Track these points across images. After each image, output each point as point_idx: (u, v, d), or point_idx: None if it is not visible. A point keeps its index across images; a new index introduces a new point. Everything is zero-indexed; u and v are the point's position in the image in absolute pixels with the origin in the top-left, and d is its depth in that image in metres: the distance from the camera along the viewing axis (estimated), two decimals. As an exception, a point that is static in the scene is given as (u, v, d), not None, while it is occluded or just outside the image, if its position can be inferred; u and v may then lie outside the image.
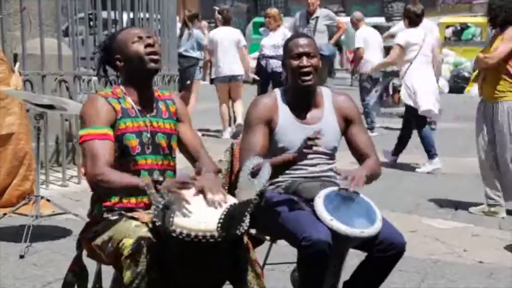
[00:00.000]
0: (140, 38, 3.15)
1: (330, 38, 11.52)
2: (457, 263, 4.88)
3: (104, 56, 3.24)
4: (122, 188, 2.96)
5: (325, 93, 3.66)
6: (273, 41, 10.66)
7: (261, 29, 11.67)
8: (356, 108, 3.72)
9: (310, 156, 3.53)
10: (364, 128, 3.72)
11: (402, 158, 8.81)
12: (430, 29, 8.92)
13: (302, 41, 3.56)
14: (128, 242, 2.82)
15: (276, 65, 10.37)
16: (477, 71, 6.19)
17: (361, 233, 3.22)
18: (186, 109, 3.37)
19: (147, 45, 3.13)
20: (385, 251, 3.29)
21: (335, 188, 3.43)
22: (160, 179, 2.90)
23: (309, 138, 3.23)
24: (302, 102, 3.59)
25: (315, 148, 3.24)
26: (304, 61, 3.51)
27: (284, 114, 3.55)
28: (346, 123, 3.63)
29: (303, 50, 3.52)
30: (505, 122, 5.93)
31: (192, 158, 3.30)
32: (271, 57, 10.60)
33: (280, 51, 9.97)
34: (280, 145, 3.53)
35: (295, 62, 3.52)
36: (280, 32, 10.75)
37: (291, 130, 3.53)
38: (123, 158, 3.08)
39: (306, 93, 3.58)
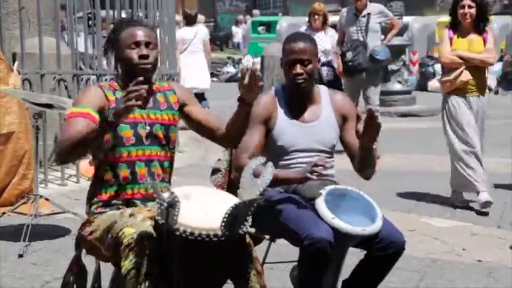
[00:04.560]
0: (137, 44, 3.15)
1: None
2: (456, 262, 4.88)
3: (110, 43, 3.27)
4: (87, 133, 2.91)
5: (322, 91, 3.67)
6: (323, 45, 8.89)
7: (303, 28, 9.70)
8: (353, 107, 3.74)
9: (309, 154, 3.54)
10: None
11: (401, 157, 8.82)
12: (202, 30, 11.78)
13: (297, 46, 3.52)
14: (129, 231, 2.82)
15: (326, 72, 9.09)
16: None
17: (363, 231, 3.23)
18: (189, 93, 3.41)
19: (141, 57, 3.14)
20: (385, 250, 3.30)
21: (335, 187, 3.44)
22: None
23: (315, 165, 3.27)
24: (299, 101, 3.61)
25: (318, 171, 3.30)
26: (298, 69, 3.50)
27: (283, 113, 3.56)
28: (344, 121, 3.64)
29: (297, 57, 3.51)
30: (484, 113, 6.31)
31: (213, 128, 3.30)
32: (323, 65, 8.90)
33: (330, 57, 9.15)
34: (278, 143, 3.54)
35: (290, 68, 3.52)
36: (328, 35, 9.38)
37: (289, 129, 3.54)
38: (118, 149, 3.11)
39: (301, 93, 3.60)
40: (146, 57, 3.15)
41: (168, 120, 3.23)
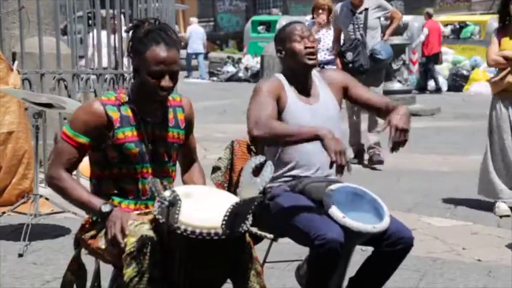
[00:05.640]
0: (162, 74, 2.97)
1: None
2: (455, 261, 4.88)
3: (133, 49, 3.07)
4: (76, 203, 3.03)
5: (313, 73, 3.71)
6: (328, 42, 8.47)
7: (309, 24, 8.60)
8: (345, 74, 3.82)
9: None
10: (360, 84, 3.76)
11: (401, 156, 8.82)
12: None
13: (299, 25, 3.65)
14: (130, 241, 2.81)
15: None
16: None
17: (373, 229, 3.25)
18: (193, 117, 3.31)
19: (162, 88, 3.00)
20: (394, 245, 3.32)
21: (342, 185, 3.45)
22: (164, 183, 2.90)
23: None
24: (303, 84, 3.63)
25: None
26: (308, 42, 3.57)
27: (291, 95, 3.58)
28: (344, 91, 3.70)
29: (304, 34, 3.59)
30: None
31: (184, 165, 3.35)
32: (328, 63, 8.40)
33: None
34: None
35: (300, 45, 3.57)
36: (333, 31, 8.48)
37: (299, 111, 3.55)
38: (124, 165, 3.07)
39: (307, 74, 3.64)
40: (167, 89, 3.02)
41: (172, 138, 3.16)
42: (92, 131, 3.02)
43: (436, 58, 18.30)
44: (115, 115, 3.04)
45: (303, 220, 3.30)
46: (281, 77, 3.65)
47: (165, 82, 2.99)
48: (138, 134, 3.07)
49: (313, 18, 8.70)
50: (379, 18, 8.34)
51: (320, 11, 8.48)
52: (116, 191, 3.09)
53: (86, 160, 3.15)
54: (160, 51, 2.97)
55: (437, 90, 17.61)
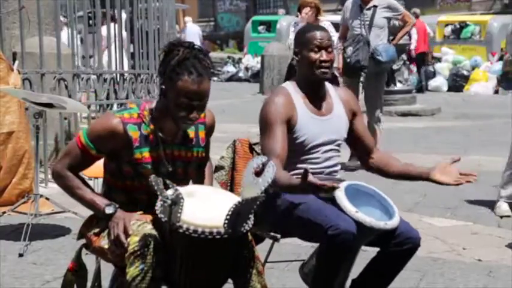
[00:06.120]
0: (191, 109, 2.90)
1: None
2: (456, 261, 4.88)
3: (164, 73, 2.95)
4: (79, 202, 3.06)
5: (327, 85, 3.67)
6: None
7: (293, 24, 8.67)
8: (356, 100, 3.77)
9: (326, 147, 3.53)
10: (364, 121, 3.75)
11: (401, 156, 8.81)
12: None
13: (320, 34, 3.53)
14: (133, 240, 2.81)
15: None
16: None
17: (385, 225, 3.25)
18: (213, 131, 3.25)
19: (190, 119, 2.95)
20: (401, 245, 3.33)
21: (351, 182, 3.45)
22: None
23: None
24: (315, 94, 3.58)
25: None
26: (324, 55, 3.50)
27: (301, 110, 3.52)
28: (353, 116, 3.66)
29: (323, 44, 3.52)
30: None
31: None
32: None
33: None
34: (299, 140, 3.50)
35: (315, 56, 3.50)
36: None
37: (310, 124, 3.51)
38: (137, 179, 3.03)
39: (320, 84, 3.59)
40: (194, 120, 2.98)
41: (191, 157, 3.12)
42: (105, 147, 3.00)
43: (422, 57, 18.30)
44: (135, 135, 2.99)
45: (313, 213, 3.28)
46: (290, 87, 3.58)
47: (193, 115, 2.94)
48: (157, 155, 3.03)
49: (300, 15, 8.36)
50: (387, 18, 8.07)
51: (308, 9, 8.22)
52: (126, 200, 3.06)
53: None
54: (192, 83, 2.88)
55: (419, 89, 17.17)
